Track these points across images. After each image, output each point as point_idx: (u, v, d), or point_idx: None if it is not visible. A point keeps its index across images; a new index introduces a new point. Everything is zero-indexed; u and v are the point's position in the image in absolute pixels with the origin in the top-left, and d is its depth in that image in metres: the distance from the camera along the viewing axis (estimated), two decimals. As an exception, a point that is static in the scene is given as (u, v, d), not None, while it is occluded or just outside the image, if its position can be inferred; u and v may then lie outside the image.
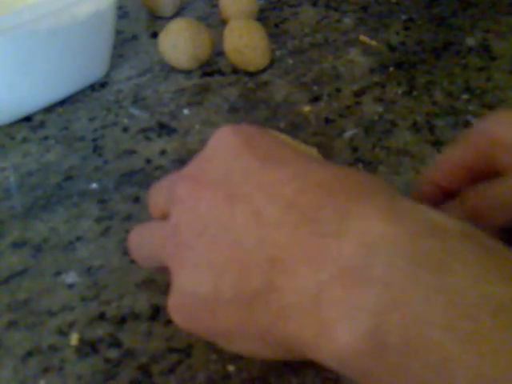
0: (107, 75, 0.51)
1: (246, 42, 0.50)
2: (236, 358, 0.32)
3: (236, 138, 0.26)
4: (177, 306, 0.26)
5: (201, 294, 0.25)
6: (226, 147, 0.26)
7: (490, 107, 0.48)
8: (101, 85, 0.51)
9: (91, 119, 0.47)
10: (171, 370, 0.32)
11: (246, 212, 0.24)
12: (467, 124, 0.47)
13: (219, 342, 0.27)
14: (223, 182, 0.25)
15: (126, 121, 0.47)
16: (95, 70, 0.50)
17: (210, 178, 0.25)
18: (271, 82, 0.51)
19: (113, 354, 0.32)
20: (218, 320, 0.25)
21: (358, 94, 0.50)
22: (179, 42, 0.50)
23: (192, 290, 0.25)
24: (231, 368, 0.32)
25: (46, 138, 0.46)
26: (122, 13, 0.59)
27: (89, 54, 0.49)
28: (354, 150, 0.45)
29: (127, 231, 0.39)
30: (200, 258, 0.25)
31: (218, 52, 0.53)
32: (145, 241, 0.29)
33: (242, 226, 0.24)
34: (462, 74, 0.52)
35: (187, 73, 0.52)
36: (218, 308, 0.25)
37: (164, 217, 0.28)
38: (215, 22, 0.58)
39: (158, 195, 0.30)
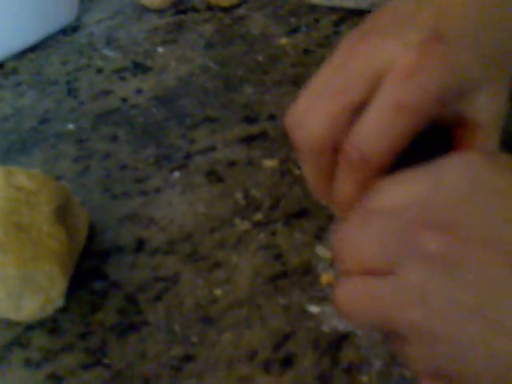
0: (78, 19, 0.50)
1: (218, -24, 0.48)
2: (223, 282, 0.32)
3: (498, 178, 0.20)
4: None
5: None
6: (486, 189, 0.20)
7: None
8: (72, 29, 0.49)
9: (64, 63, 0.46)
10: (158, 298, 0.32)
11: None
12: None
13: None
14: (497, 240, 0.19)
15: (99, 62, 0.46)
16: (64, 13, 0.49)
17: (475, 232, 0.19)
18: (247, 16, 0.50)
19: (99, 286, 0.32)
20: None
21: (337, 23, 0.49)
22: (150, -21, 0.48)
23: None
24: (218, 292, 0.32)
25: (18, 83, 0.44)
26: (89, -44, 0.57)
27: (56, -3, 0.47)
28: (335, 79, 0.44)
29: (107, 169, 0.38)
30: (473, 341, 0.19)
31: (191, -11, 0.51)
32: (360, 298, 0.22)
33: None
34: None
35: (160, 12, 0.50)
36: None
37: (368, 269, 0.22)
38: (187, -40, 0.56)
39: (360, 239, 0.22)
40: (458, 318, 0.19)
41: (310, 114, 0.28)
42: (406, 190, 0.22)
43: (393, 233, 0.21)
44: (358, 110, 0.27)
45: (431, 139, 0.31)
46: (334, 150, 0.28)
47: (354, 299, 0.22)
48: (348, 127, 0.27)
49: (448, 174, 0.21)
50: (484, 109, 0.28)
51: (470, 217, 0.20)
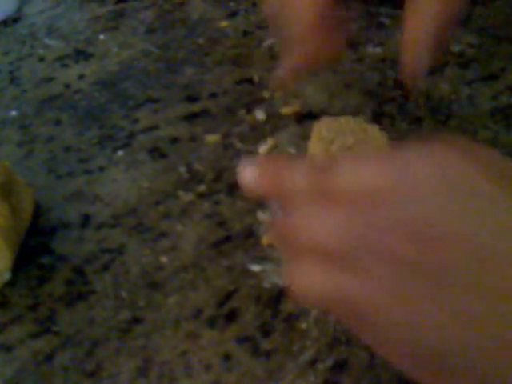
0: (19, 10, 0.50)
1: (156, -37, 0.50)
2: (168, 250, 0.33)
3: (471, 168, 0.19)
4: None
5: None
6: (457, 180, 0.19)
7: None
8: (14, 20, 0.50)
9: (6, 53, 0.46)
10: (105, 268, 0.33)
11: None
12: (381, 25, 0.48)
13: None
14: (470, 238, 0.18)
15: (41, 51, 0.46)
16: (5, 5, 0.49)
17: (443, 232, 0.18)
18: (187, 2, 0.51)
19: (46, 260, 0.33)
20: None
21: (274, 5, 0.51)
22: (88, -31, 0.49)
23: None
24: (164, 259, 0.33)
25: (-40, 75, 0.45)
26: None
27: (-5, -12, 0.47)
28: (273, 58, 0.46)
29: (51, 151, 0.39)
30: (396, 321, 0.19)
31: (131, -22, 0.52)
32: (321, 285, 0.21)
33: None
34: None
35: (101, 1, 0.51)
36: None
37: (319, 249, 0.21)
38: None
39: (318, 218, 0.21)
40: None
41: None
42: (368, 176, 0.20)
43: (355, 224, 0.20)
44: None
45: None
46: None
47: (313, 283, 0.21)
48: None
49: (414, 169, 0.19)
50: None
51: (438, 220, 0.18)
